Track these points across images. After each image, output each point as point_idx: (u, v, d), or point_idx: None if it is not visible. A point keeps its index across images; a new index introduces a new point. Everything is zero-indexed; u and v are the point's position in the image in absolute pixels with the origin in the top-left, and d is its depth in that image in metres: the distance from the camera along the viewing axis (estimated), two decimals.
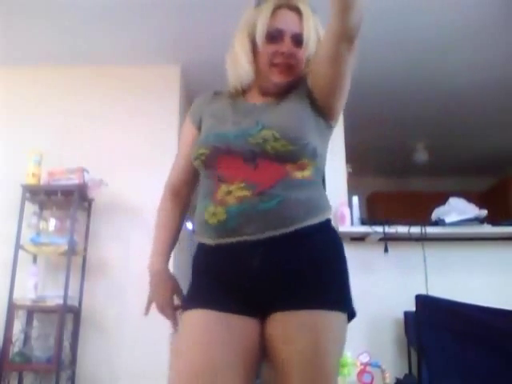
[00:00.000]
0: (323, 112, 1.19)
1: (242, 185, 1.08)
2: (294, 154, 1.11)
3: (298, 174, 1.11)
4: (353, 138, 3.31)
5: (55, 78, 3.67)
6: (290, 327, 1.05)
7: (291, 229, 1.07)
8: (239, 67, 1.21)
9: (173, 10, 3.08)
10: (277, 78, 1.18)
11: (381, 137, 4.89)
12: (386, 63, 3.66)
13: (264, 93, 1.23)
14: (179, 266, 3.39)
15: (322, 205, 1.15)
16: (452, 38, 3.36)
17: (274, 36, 1.17)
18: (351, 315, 1.13)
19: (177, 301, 1.26)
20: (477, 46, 3.44)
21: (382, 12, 3.09)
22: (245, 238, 1.06)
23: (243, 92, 1.26)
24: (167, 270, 1.28)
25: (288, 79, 1.19)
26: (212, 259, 1.12)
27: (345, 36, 1.08)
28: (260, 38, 1.17)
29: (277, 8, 1.19)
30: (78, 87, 3.65)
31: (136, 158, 3.46)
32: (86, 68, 3.68)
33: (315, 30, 1.20)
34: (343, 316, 1.09)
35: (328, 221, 1.15)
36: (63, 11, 3.09)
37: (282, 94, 1.22)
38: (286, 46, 1.17)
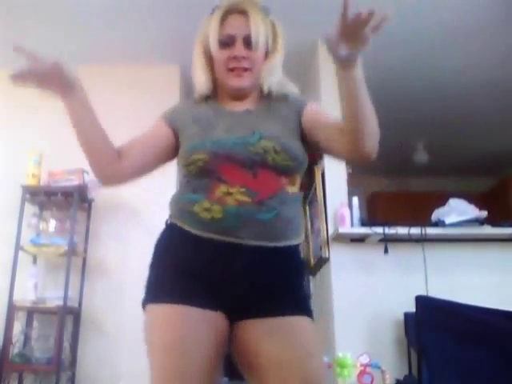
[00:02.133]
0: (306, 144, 1.22)
1: (243, 190, 1.08)
2: (291, 169, 1.14)
3: (290, 189, 1.15)
4: None
5: None
6: (265, 332, 1.07)
7: (282, 244, 1.12)
8: (199, 80, 1.24)
9: (173, 10, 3.08)
10: (235, 83, 1.19)
11: (381, 137, 4.85)
12: (386, 63, 3.66)
13: (233, 98, 1.24)
14: None
15: (301, 226, 1.21)
16: (452, 38, 3.36)
17: (225, 42, 1.18)
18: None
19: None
20: (477, 46, 3.44)
21: (381, 13, 3.09)
22: (235, 240, 1.07)
23: (214, 96, 1.27)
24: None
25: (247, 82, 1.20)
26: (194, 250, 1.10)
27: (356, 159, 1.18)
28: (213, 46, 1.19)
29: (226, 14, 1.21)
30: None
31: None
32: (86, 68, 3.66)
33: (265, 27, 1.20)
34: (310, 320, 1.14)
35: (299, 245, 1.22)
36: (63, 11, 3.09)
37: (260, 99, 1.24)
38: (238, 49, 1.18)
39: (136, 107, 3.60)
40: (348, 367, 2.44)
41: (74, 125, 1.23)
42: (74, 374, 3.01)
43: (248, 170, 1.10)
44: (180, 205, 1.15)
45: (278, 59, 1.24)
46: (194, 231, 1.10)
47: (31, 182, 3.09)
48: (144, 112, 3.61)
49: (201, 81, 1.23)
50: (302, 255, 1.26)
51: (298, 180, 1.19)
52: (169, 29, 3.28)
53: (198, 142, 1.14)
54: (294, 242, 1.15)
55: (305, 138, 1.20)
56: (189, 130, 1.21)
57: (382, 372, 2.45)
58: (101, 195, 3.24)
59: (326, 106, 3.51)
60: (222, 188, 1.09)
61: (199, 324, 1.04)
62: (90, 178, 3.18)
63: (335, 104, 3.65)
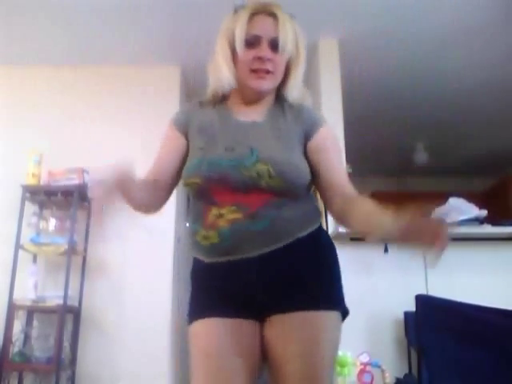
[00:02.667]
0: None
1: (234, 208, 1.10)
2: (287, 191, 1.13)
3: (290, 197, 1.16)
4: (353, 138, 3.30)
5: (55, 78, 3.67)
6: (286, 328, 1.08)
7: (283, 243, 1.11)
8: (221, 75, 1.21)
9: (173, 11, 3.08)
10: (255, 84, 1.18)
11: (381, 137, 4.89)
12: (386, 63, 3.67)
13: (246, 102, 1.23)
14: (179, 265, 3.39)
15: (313, 217, 1.20)
16: (452, 38, 3.36)
17: (251, 42, 1.17)
18: (344, 313, 1.17)
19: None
20: (477, 46, 3.44)
21: (381, 12, 3.09)
22: (239, 256, 1.11)
23: (224, 99, 1.26)
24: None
25: (267, 86, 1.19)
26: (206, 274, 1.16)
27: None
28: (239, 45, 1.18)
29: (253, 14, 1.19)
30: (78, 87, 3.65)
31: (136, 157, 3.45)
32: (86, 68, 3.68)
33: (293, 34, 1.20)
34: (337, 315, 1.13)
35: (318, 228, 1.19)
36: (63, 11, 3.09)
37: (271, 109, 1.22)
38: (264, 50, 1.17)
39: (136, 108, 3.60)
40: (348, 366, 2.44)
41: (127, 202, 1.18)
42: (73, 373, 3.01)
43: (240, 190, 1.11)
44: (189, 237, 1.21)
45: (302, 68, 1.24)
46: (203, 259, 1.16)
47: (31, 181, 3.09)
48: (144, 113, 3.62)
49: (225, 76, 1.20)
50: (325, 239, 1.22)
51: (303, 193, 1.19)
52: (169, 30, 3.29)
53: (196, 165, 1.15)
54: (302, 234, 1.13)
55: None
56: (194, 141, 1.22)
57: (382, 371, 2.45)
58: None
59: (326, 106, 3.52)
60: (214, 211, 1.12)
61: (228, 331, 1.09)
62: (90, 177, 3.18)
63: (335, 104, 3.63)
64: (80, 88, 3.65)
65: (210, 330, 1.10)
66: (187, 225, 1.24)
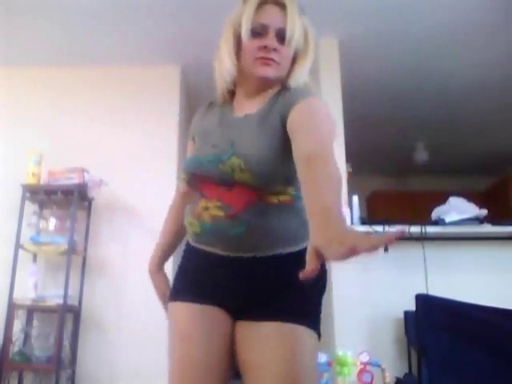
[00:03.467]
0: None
1: (218, 204, 1.10)
2: (262, 185, 1.08)
3: (274, 199, 1.09)
4: (353, 137, 3.31)
5: (55, 78, 3.67)
6: (258, 335, 1.07)
7: (259, 254, 1.09)
8: (223, 65, 1.20)
9: (173, 10, 3.08)
10: (261, 71, 1.15)
11: (381, 137, 4.89)
12: (386, 63, 3.67)
13: (248, 93, 1.21)
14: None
15: (301, 233, 1.09)
16: (452, 38, 3.36)
17: (258, 31, 1.15)
18: (319, 335, 1.11)
19: None
20: (477, 46, 3.45)
21: (381, 12, 3.09)
22: (216, 250, 1.12)
23: (232, 97, 1.25)
24: (159, 270, 1.38)
25: (272, 73, 1.16)
26: (193, 257, 1.19)
27: None
28: (245, 34, 1.15)
29: (262, 3, 1.17)
30: (78, 87, 3.66)
31: (136, 157, 3.46)
32: (86, 68, 3.68)
33: (301, 27, 1.17)
34: (313, 334, 1.08)
35: (303, 250, 1.10)
36: (63, 11, 3.09)
37: (265, 100, 1.18)
38: (270, 40, 1.14)
39: (136, 108, 3.60)
40: (348, 365, 2.44)
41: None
42: (73, 373, 3.01)
43: (222, 185, 1.11)
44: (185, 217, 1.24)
45: (309, 61, 1.21)
46: (191, 241, 1.20)
47: (31, 180, 3.09)
48: (144, 112, 3.62)
49: (226, 65, 1.18)
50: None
51: (288, 190, 1.11)
52: (169, 29, 3.29)
53: (185, 162, 1.22)
54: (283, 251, 1.09)
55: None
56: (196, 144, 1.26)
57: (382, 370, 2.45)
58: (101, 194, 3.24)
59: None
60: (202, 203, 1.14)
61: (202, 317, 1.11)
62: (90, 176, 3.19)
63: (335, 104, 3.64)
64: (80, 88, 3.65)
65: (186, 315, 1.12)
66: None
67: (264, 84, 1.19)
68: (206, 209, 1.12)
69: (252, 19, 1.15)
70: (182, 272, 1.21)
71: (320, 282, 1.15)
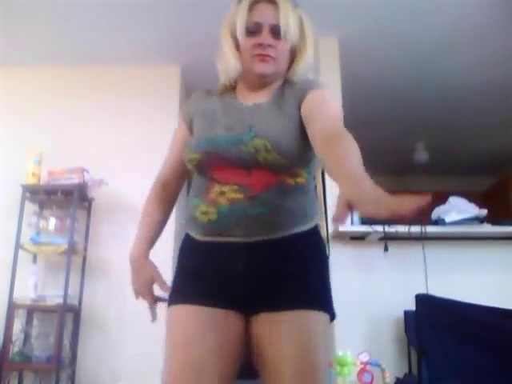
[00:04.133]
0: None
1: (236, 187, 1.09)
2: (285, 166, 1.11)
3: (291, 181, 1.13)
4: (353, 137, 3.31)
5: (55, 78, 3.67)
6: (276, 327, 1.06)
7: (279, 235, 1.10)
8: (227, 64, 1.22)
9: (173, 10, 3.08)
10: (259, 68, 1.18)
11: (381, 137, 4.89)
12: (387, 63, 3.67)
13: (251, 88, 1.23)
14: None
15: (312, 213, 1.17)
16: (452, 38, 3.36)
17: (252, 30, 1.18)
18: (332, 317, 1.14)
19: (157, 290, 1.29)
20: (477, 46, 3.44)
21: (381, 12, 3.09)
22: (233, 239, 1.09)
23: (233, 89, 1.26)
24: (147, 257, 1.33)
25: (270, 69, 1.19)
26: (198, 254, 1.15)
27: None
28: (240, 34, 1.18)
29: (255, 3, 1.20)
30: (77, 87, 3.66)
31: (136, 157, 3.46)
32: (86, 68, 3.68)
33: (295, 21, 1.19)
34: (326, 317, 1.11)
35: (315, 227, 1.18)
36: (63, 11, 3.09)
37: (275, 92, 1.21)
38: (264, 37, 1.17)
39: (136, 107, 3.60)
40: (348, 365, 2.44)
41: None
42: (73, 373, 3.01)
43: (241, 168, 1.10)
44: (188, 211, 1.19)
45: (309, 54, 1.23)
46: (197, 237, 1.14)
47: (31, 180, 3.09)
48: (144, 112, 3.62)
49: (231, 62, 1.21)
50: (320, 240, 1.20)
51: (304, 171, 1.16)
52: (169, 29, 3.29)
53: (196, 141, 1.17)
54: (299, 229, 1.12)
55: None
56: (196, 122, 1.24)
57: (382, 370, 2.45)
58: (101, 194, 3.24)
59: None
60: (216, 188, 1.11)
61: (208, 322, 1.07)
62: (90, 176, 3.19)
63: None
64: (80, 88, 3.65)
65: (191, 319, 1.07)
66: (188, 198, 1.24)
67: (264, 80, 1.21)
68: (222, 193, 1.10)
69: (246, 18, 1.18)
70: (184, 272, 1.16)
71: (326, 258, 1.20)
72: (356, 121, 3.86)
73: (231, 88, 1.27)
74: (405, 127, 4.73)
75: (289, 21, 1.17)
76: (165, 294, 1.23)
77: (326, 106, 1.12)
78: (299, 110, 1.14)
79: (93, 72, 3.68)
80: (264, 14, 1.19)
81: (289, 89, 1.21)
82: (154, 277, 1.30)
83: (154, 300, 1.29)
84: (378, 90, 4.02)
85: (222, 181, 1.11)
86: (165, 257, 3.24)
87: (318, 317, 1.08)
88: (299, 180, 1.14)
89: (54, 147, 3.34)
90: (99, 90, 3.66)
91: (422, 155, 5.11)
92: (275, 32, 1.17)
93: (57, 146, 3.40)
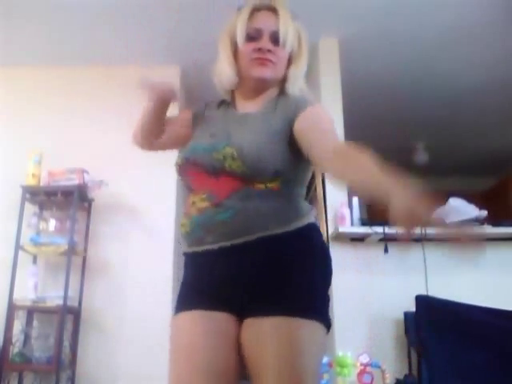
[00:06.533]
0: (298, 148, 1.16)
1: (204, 196, 1.13)
2: (250, 175, 1.10)
3: (261, 185, 1.11)
4: (353, 138, 3.29)
5: (55, 78, 3.67)
6: (261, 332, 1.04)
7: (252, 237, 1.08)
8: (222, 73, 1.25)
9: (173, 11, 3.08)
10: (258, 72, 1.20)
11: (381, 137, 4.88)
12: (386, 63, 3.66)
13: (246, 96, 1.25)
14: (180, 266, 3.39)
15: (292, 215, 1.13)
16: (452, 38, 3.36)
17: (252, 36, 1.20)
18: (326, 324, 1.09)
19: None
20: (477, 46, 3.44)
21: (381, 12, 3.09)
22: (208, 247, 1.11)
23: (233, 100, 1.29)
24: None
25: (269, 74, 1.21)
26: (187, 265, 1.19)
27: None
28: (240, 39, 1.21)
29: (255, 10, 1.23)
30: (78, 87, 3.65)
31: (136, 158, 3.45)
32: (86, 68, 3.68)
33: (294, 30, 1.23)
34: (314, 324, 1.05)
35: (303, 230, 1.13)
36: (63, 11, 3.09)
37: (264, 102, 1.23)
38: (264, 42, 1.19)
39: (136, 108, 3.59)
40: (348, 366, 2.44)
41: (147, 116, 1.36)
42: (73, 374, 3.01)
43: (211, 175, 1.13)
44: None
45: (304, 65, 1.26)
46: (184, 249, 1.19)
47: (31, 181, 3.09)
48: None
49: (226, 73, 1.23)
50: (305, 244, 1.13)
51: (274, 180, 1.12)
52: (169, 30, 3.29)
53: (184, 148, 1.22)
54: (277, 231, 1.09)
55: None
56: (196, 128, 1.28)
57: (382, 371, 2.45)
58: (101, 195, 3.24)
59: (326, 106, 3.52)
60: (191, 198, 1.16)
61: (210, 324, 1.08)
62: (90, 177, 3.18)
63: (335, 104, 3.63)
64: (80, 88, 3.65)
65: (193, 323, 1.09)
66: None
67: (262, 85, 1.23)
68: (193, 204, 1.14)
69: (246, 24, 1.21)
70: (183, 284, 1.20)
71: (322, 264, 1.15)
72: (356, 121, 3.87)
73: (230, 101, 1.29)
74: (405, 127, 4.73)
75: (288, 29, 1.20)
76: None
77: (323, 123, 1.15)
78: (290, 126, 1.15)
79: (93, 72, 3.67)
80: (264, 21, 1.21)
81: (282, 104, 1.21)
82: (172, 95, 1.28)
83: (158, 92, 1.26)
84: (378, 89, 4.01)
85: (195, 190, 1.16)
86: (165, 262, 3.25)
87: (302, 324, 1.03)
88: (270, 185, 1.12)
89: (54, 147, 3.33)
90: (99, 90, 3.65)
91: (422, 155, 5.11)
92: (275, 39, 1.20)
93: (57, 146, 3.40)
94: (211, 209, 1.10)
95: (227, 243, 1.09)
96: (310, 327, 1.04)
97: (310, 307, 1.06)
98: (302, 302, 1.06)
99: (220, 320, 1.09)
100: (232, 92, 1.29)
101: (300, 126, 1.13)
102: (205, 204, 1.11)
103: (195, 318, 1.10)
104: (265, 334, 1.03)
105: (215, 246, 1.10)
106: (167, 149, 1.40)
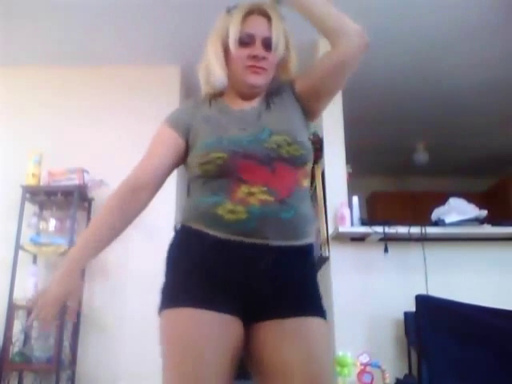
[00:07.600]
0: (307, 115, 1.28)
1: (264, 189, 1.09)
2: (305, 158, 1.17)
3: (305, 183, 1.18)
4: (353, 137, 3.31)
5: (55, 78, 3.67)
6: (284, 334, 1.06)
7: (303, 242, 1.14)
8: (211, 74, 1.24)
9: (172, 10, 3.08)
10: (252, 79, 1.21)
11: (381, 137, 4.89)
12: (386, 63, 3.66)
13: (242, 97, 1.26)
14: None
15: (314, 221, 1.23)
16: (452, 38, 3.36)
17: (245, 41, 1.21)
18: None
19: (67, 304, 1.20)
20: (477, 46, 3.44)
21: (381, 12, 3.09)
22: (260, 241, 1.08)
23: (219, 96, 1.28)
24: (84, 265, 1.24)
25: (262, 81, 1.23)
26: (216, 252, 1.09)
27: (350, 49, 1.32)
28: (232, 43, 1.21)
29: (247, 14, 1.23)
30: (77, 87, 3.65)
31: (136, 158, 3.45)
32: (85, 68, 3.68)
33: (284, 34, 1.25)
34: (326, 322, 1.15)
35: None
36: (63, 11, 3.09)
37: (263, 98, 1.26)
38: (258, 49, 1.20)
39: (136, 108, 3.60)
40: (348, 366, 2.44)
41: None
42: (73, 373, 3.01)
43: (266, 166, 1.11)
44: (201, 208, 1.13)
45: (294, 67, 1.30)
46: (219, 235, 1.08)
47: (31, 181, 3.09)
48: (144, 113, 3.62)
49: (216, 77, 1.24)
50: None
51: (309, 171, 1.22)
52: (169, 30, 3.29)
53: (215, 141, 1.14)
54: (310, 240, 1.17)
55: (309, 106, 1.26)
56: (200, 129, 1.20)
57: (382, 371, 2.45)
58: (101, 195, 3.23)
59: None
60: (244, 188, 1.09)
61: (216, 328, 1.05)
62: (90, 177, 3.18)
63: (335, 104, 3.63)
64: (80, 88, 3.65)
65: (201, 326, 1.04)
66: (192, 198, 1.20)
67: (253, 90, 1.25)
68: (251, 194, 1.08)
69: (239, 29, 1.21)
70: (187, 272, 1.10)
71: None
72: (356, 121, 3.87)
73: (218, 95, 1.28)
74: (405, 127, 4.73)
75: (280, 35, 1.22)
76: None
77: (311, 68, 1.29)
78: (296, 97, 1.25)
79: (93, 72, 3.67)
80: (257, 26, 1.22)
81: (276, 91, 1.27)
82: (74, 295, 1.18)
83: (55, 316, 1.15)
84: (378, 90, 4.01)
85: (249, 181, 1.09)
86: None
87: (322, 323, 1.12)
88: (306, 183, 1.20)
89: (54, 147, 3.33)
90: (99, 90, 3.65)
91: (421, 155, 5.11)
92: (267, 44, 1.21)
93: (57, 146, 3.40)
94: (276, 204, 1.09)
95: (283, 242, 1.10)
96: (325, 325, 1.14)
97: (321, 306, 1.16)
98: (319, 303, 1.16)
99: (232, 325, 1.07)
100: (220, 91, 1.28)
101: (300, 87, 1.25)
102: (268, 197, 1.08)
103: (204, 320, 1.05)
104: (289, 335, 1.07)
105: (272, 243, 1.08)
106: (164, 180, 1.30)
